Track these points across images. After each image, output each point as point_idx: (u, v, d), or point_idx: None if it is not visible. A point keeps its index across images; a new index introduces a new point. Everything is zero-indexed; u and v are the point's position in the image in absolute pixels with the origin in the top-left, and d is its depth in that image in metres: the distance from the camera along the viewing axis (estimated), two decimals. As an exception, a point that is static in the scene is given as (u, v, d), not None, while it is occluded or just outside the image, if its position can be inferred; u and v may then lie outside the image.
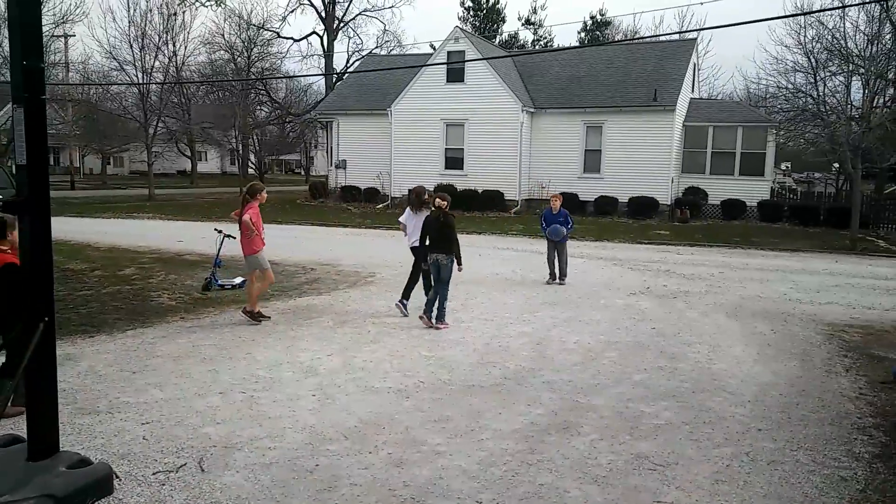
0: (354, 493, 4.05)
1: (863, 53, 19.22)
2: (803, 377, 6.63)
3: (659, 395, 5.96)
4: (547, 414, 5.45)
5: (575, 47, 34.74)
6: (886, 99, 20.37)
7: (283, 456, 4.53)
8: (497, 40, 46.25)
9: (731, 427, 5.25)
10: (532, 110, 25.69)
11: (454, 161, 26.34)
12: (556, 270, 11.62)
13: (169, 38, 33.52)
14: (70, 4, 42.87)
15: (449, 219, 8.35)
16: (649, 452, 4.74)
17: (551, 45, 48.73)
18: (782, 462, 4.63)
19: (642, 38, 26.33)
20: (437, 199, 8.41)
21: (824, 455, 4.76)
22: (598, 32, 50.60)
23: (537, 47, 48.34)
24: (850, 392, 6.20)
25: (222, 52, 43.68)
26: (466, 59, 25.06)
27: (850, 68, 18.95)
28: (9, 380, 4.54)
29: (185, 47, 35.77)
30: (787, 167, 42.24)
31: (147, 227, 20.04)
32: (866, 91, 18.52)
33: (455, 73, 25.83)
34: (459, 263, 8.34)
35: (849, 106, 19.42)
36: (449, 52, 26.04)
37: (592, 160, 25.40)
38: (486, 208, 25.01)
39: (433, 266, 8.32)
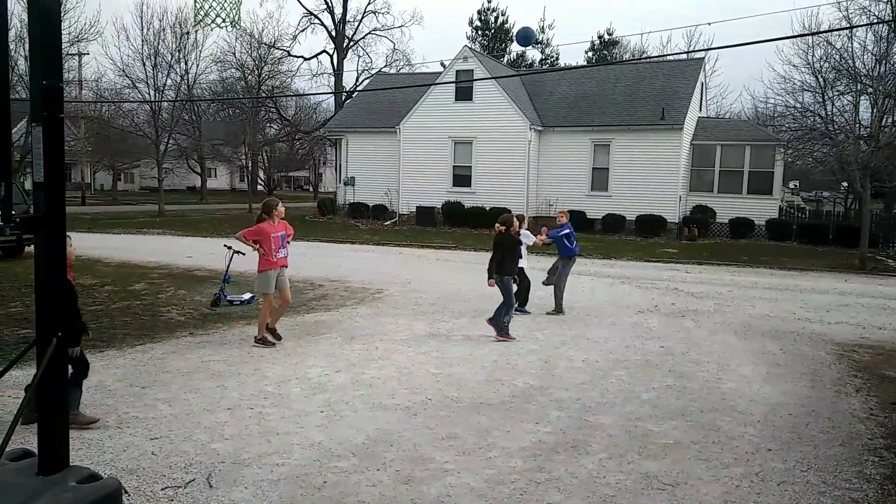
0: (362, 510, 4.05)
1: (871, 73, 19.23)
2: (813, 397, 6.59)
3: (668, 414, 5.94)
4: (555, 432, 5.44)
5: (583, 66, 34.94)
6: (895, 118, 20.32)
7: (292, 472, 4.53)
8: (505, 59, 46.56)
9: (741, 447, 5.22)
10: (540, 128, 25.81)
11: (462, 178, 26.46)
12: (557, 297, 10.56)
13: (181, 56, 33.98)
14: (85, 23, 43.69)
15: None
16: (658, 472, 4.72)
17: (559, 65, 49.03)
18: (793, 483, 4.60)
19: (650, 57, 26.49)
20: (497, 225, 9.27)
21: (835, 476, 4.72)
22: (605, 52, 50.84)
23: (545, 66, 48.62)
24: (860, 413, 6.15)
25: (233, 70, 44.15)
26: (475, 77, 25.25)
27: (859, 88, 18.95)
28: (76, 388, 5.17)
29: (197, 65, 36.20)
30: (796, 185, 42.17)
31: (157, 242, 20.18)
32: (875, 110, 18.49)
33: (463, 92, 26.03)
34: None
35: (857, 125, 19.41)
36: (458, 71, 26.25)
37: (600, 178, 25.45)
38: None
39: (508, 285, 8.81)
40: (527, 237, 10.24)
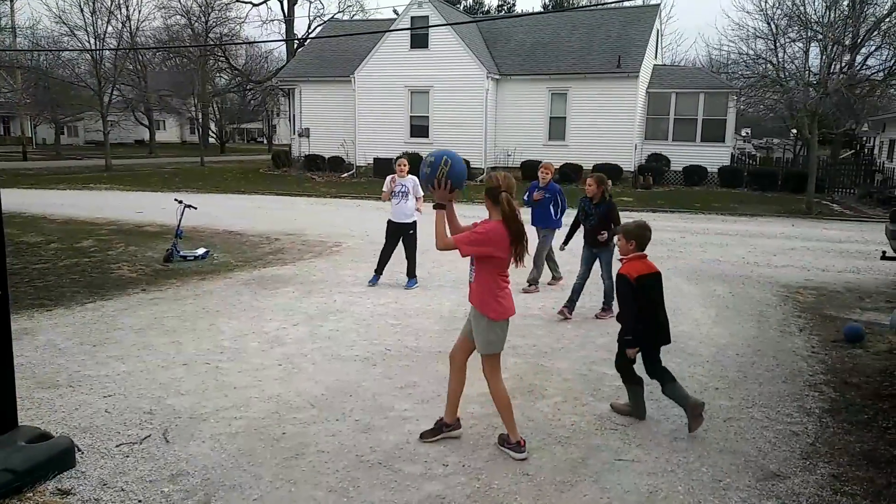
0: (322, 459, 4.08)
1: (821, 20, 19.51)
2: (759, 337, 6.84)
3: (621, 357, 6.09)
4: (512, 378, 5.53)
5: (539, 13, 34.50)
6: (843, 65, 20.74)
7: (250, 425, 4.52)
8: (461, 6, 45.62)
9: (690, 386, 5.39)
10: (497, 77, 25.54)
11: (420, 129, 26.15)
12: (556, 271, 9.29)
13: (121, 1, 32.33)
14: (14, -35, 40.89)
15: None
16: (611, 413, 4.86)
17: (515, 11, 48.28)
18: (738, 419, 4.80)
19: (606, 3, 26.23)
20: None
21: (777, 411, 4.94)
22: (562, -2, 50.21)
23: (501, 13, 47.85)
24: (803, 351, 6.42)
25: (178, 16, 42.34)
26: (430, 24, 24.72)
27: (809, 34, 19.23)
28: None
29: (139, 11, 34.68)
30: (748, 133, 42.97)
31: (105, 198, 19.53)
32: (824, 57, 18.84)
33: (419, 40, 25.49)
34: None
35: (807, 72, 19.75)
36: (412, 18, 25.64)
37: (557, 127, 25.46)
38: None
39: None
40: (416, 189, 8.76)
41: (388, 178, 8.79)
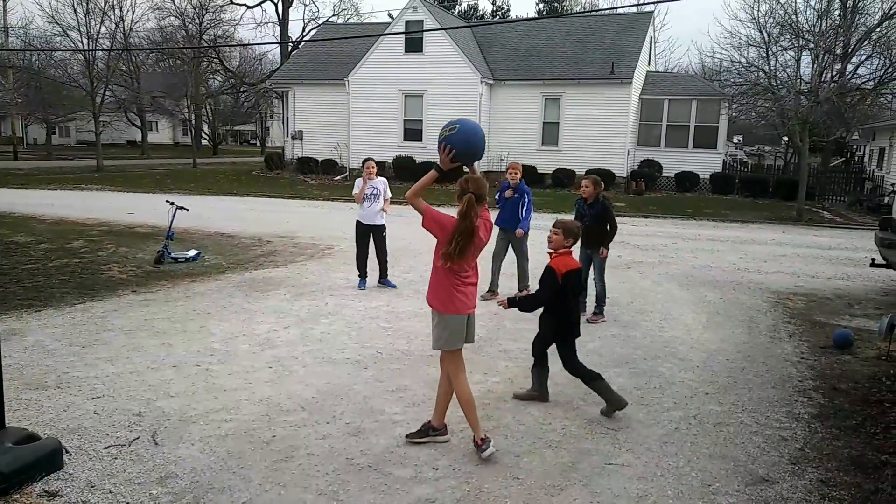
0: (312, 462, 4.07)
1: (813, 28, 19.66)
2: (749, 343, 6.87)
3: (612, 361, 6.11)
4: (503, 381, 5.54)
5: (533, 18, 34.62)
6: (834, 73, 20.90)
7: (240, 428, 4.50)
8: (456, 11, 45.73)
9: (680, 392, 5.43)
10: (491, 82, 25.60)
11: (413, 133, 26.17)
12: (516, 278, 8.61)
13: (115, 2, 32.24)
14: (7, -36, 40.74)
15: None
16: (601, 417, 4.87)
17: (510, 16, 48.44)
18: (727, 424, 4.82)
19: (600, 10, 26.40)
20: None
21: (767, 416, 4.96)
22: (556, 4, 50.44)
23: (496, 18, 47.99)
24: (792, 357, 6.45)
25: (172, 18, 42.22)
26: (425, 28, 24.76)
27: (801, 43, 19.38)
28: None
29: (133, 12, 34.53)
30: (739, 140, 43.22)
31: (96, 198, 19.43)
32: (815, 66, 18.97)
33: (413, 44, 25.53)
34: None
35: (798, 80, 19.90)
36: (407, 22, 25.67)
37: (550, 133, 25.53)
38: (446, 180, 24.94)
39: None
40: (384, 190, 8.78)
41: (358, 180, 8.73)
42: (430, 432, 4.38)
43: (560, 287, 4.84)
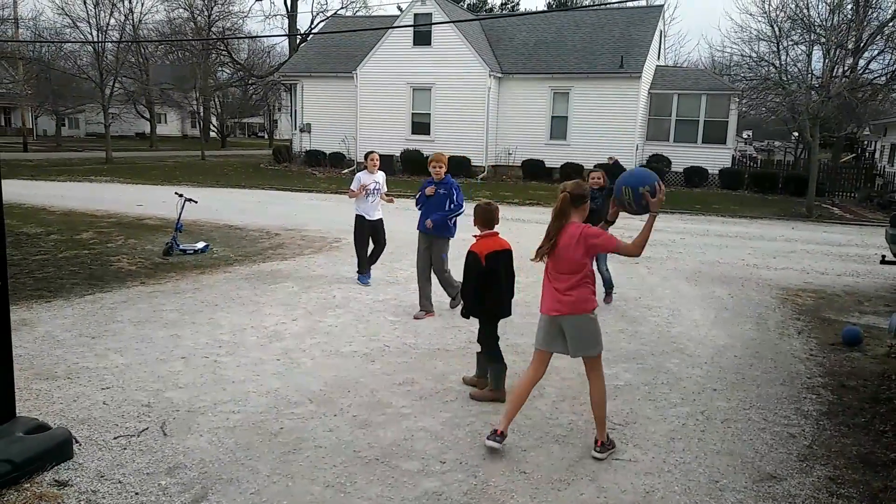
0: (319, 454, 4.09)
1: (824, 23, 19.47)
2: (757, 339, 6.85)
3: (620, 357, 6.10)
4: (511, 376, 5.53)
5: (542, 12, 34.44)
6: (845, 69, 20.70)
7: (248, 419, 4.53)
8: (465, 4, 45.54)
9: (688, 388, 5.42)
10: (499, 75, 25.52)
11: (421, 126, 26.13)
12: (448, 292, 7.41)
13: (125, -7, 32.29)
14: (18, -44, 40.79)
15: None
16: (609, 412, 4.83)
17: (519, 10, 48.24)
18: (735, 420, 4.80)
19: (610, 3, 26.16)
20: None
21: (775, 413, 4.95)
22: (566, -3, 50.14)
23: (505, 11, 47.79)
24: (801, 354, 6.43)
25: (181, 9, 42.25)
26: (433, 21, 24.69)
27: (812, 38, 19.19)
28: None
29: (142, 4, 34.62)
30: (749, 135, 42.98)
31: (105, 190, 19.51)
32: (826, 61, 18.79)
33: (422, 37, 25.45)
34: None
35: (809, 75, 19.72)
36: (416, 15, 25.60)
37: (559, 126, 25.44)
38: (453, 174, 24.76)
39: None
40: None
41: (359, 174, 8.52)
42: (608, 447, 4.21)
43: (485, 269, 4.84)
